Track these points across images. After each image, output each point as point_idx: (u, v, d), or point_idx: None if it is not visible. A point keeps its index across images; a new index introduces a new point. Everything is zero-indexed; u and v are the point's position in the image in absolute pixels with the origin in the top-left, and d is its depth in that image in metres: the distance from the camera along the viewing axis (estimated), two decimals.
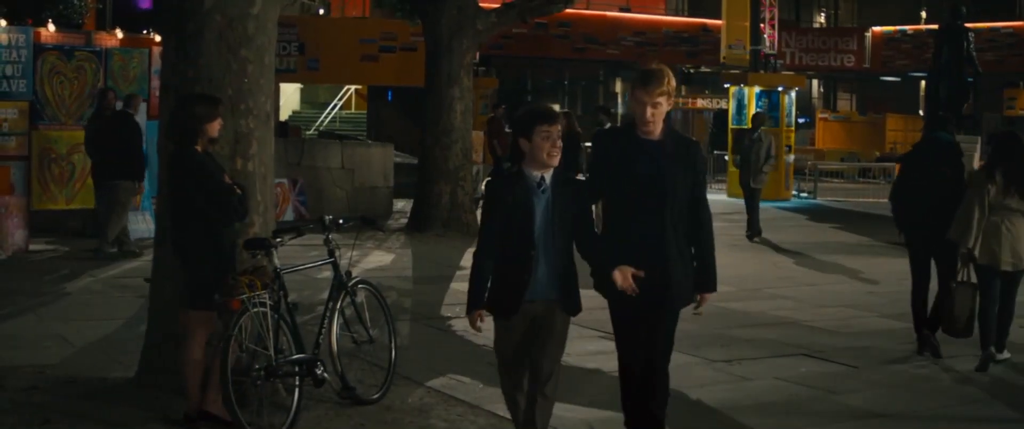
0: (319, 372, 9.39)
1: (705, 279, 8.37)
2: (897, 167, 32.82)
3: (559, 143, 7.85)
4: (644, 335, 8.25)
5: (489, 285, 7.99)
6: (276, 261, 9.31)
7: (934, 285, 12.91)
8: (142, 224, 20.15)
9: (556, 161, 7.87)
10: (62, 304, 14.39)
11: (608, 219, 8.35)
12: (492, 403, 9.83)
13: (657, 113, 8.07)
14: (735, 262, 19.46)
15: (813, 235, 25.09)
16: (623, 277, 7.90)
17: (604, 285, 8.18)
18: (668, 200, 8.06)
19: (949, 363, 12.38)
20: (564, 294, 8.01)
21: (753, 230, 23.80)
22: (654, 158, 8.08)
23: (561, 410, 8.96)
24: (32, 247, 18.72)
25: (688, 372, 11.37)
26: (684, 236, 8.22)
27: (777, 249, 22.01)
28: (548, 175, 7.94)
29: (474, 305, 7.94)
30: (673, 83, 8.17)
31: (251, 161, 9.87)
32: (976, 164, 21.56)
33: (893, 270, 19.28)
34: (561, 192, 7.97)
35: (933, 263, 12.98)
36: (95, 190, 19.20)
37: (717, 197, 32.34)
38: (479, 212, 9.38)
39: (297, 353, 9.23)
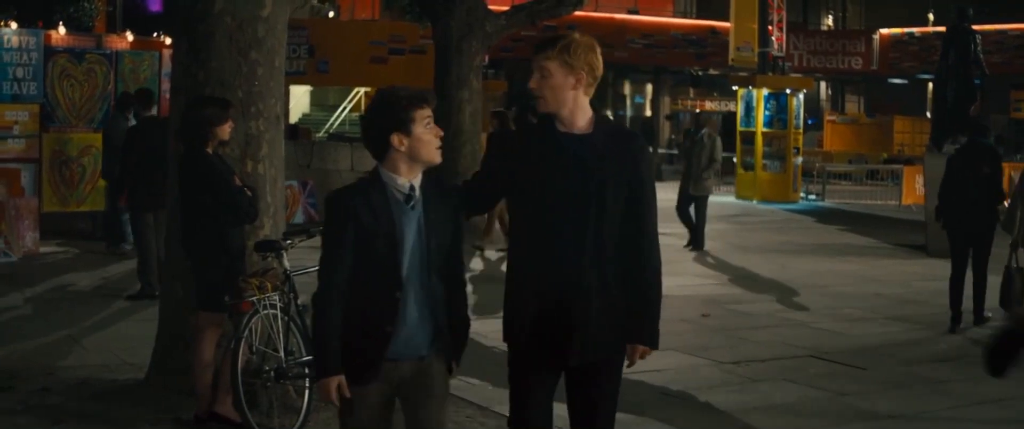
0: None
1: (639, 325, 6.25)
2: (904, 170, 32.92)
3: (441, 131, 5.93)
4: (542, 397, 6.28)
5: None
6: (286, 263, 9.33)
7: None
8: None
9: (439, 158, 5.92)
10: (72, 306, 14.42)
11: (513, 240, 6.42)
12: (502, 404, 9.81)
13: (545, 85, 6.12)
14: (743, 264, 19.49)
15: (821, 237, 25.08)
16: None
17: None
18: (591, 214, 6.05)
19: (960, 364, 12.40)
20: (440, 348, 5.96)
21: (696, 243, 21.79)
22: (576, 158, 6.07)
23: (564, 411, 8.96)
24: (42, 249, 18.75)
25: (696, 374, 11.40)
26: (614, 262, 6.12)
27: (784, 251, 22.00)
28: (418, 182, 5.88)
29: (327, 369, 5.81)
30: (589, 58, 6.22)
31: (261, 163, 9.91)
32: None
33: (901, 272, 19.32)
34: (438, 206, 5.93)
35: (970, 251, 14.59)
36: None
37: (725, 199, 32.42)
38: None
39: (307, 355, 9.25)
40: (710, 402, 10.49)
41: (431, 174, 5.96)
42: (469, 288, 6.57)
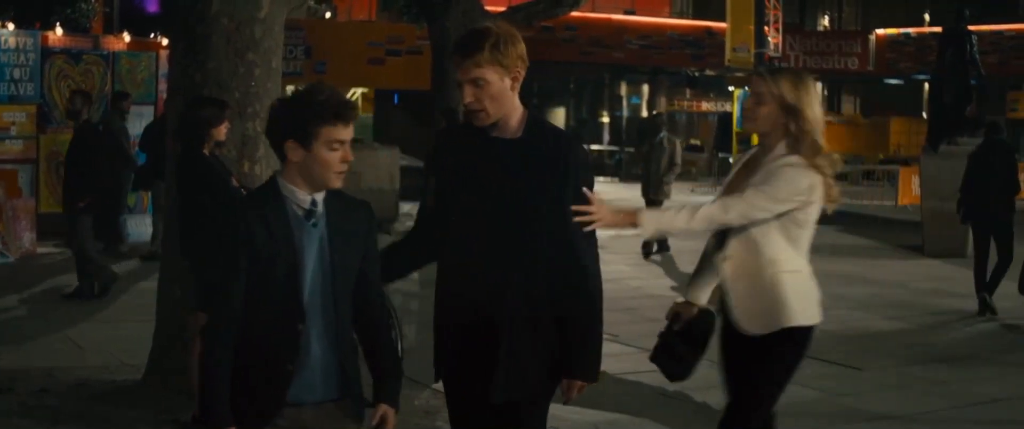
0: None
1: (573, 357, 5.51)
2: (901, 171, 32.93)
3: (351, 156, 4.92)
4: None
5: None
6: None
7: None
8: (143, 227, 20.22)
9: (341, 181, 4.97)
10: (70, 306, 14.43)
11: (439, 261, 5.79)
12: None
13: (483, 95, 5.39)
14: None
15: (817, 237, 24.80)
16: None
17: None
18: (518, 227, 5.37)
19: (957, 365, 12.44)
20: (347, 390, 5.07)
21: (649, 248, 21.34)
22: (501, 165, 5.40)
23: (565, 411, 8.99)
24: (40, 250, 18.78)
25: (693, 373, 11.42)
26: (546, 282, 5.40)
27: None
28: (321, 196, 4.99)
29: (215, 419, 4.92)
30: (519, 49, 5.45)
31: (258, 164, 9.92)
32: None
33: (897, 272, 19.36)
34: (345, 222, 5.05)
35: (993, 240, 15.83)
36: (142, 190, 19.50)
37: None
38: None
39: None
40: (707, 402, 10.49)
41: (340, 189, 5.07)
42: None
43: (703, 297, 6.46)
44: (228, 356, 4.90)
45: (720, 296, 6.33)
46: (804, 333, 6.14)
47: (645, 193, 21.58)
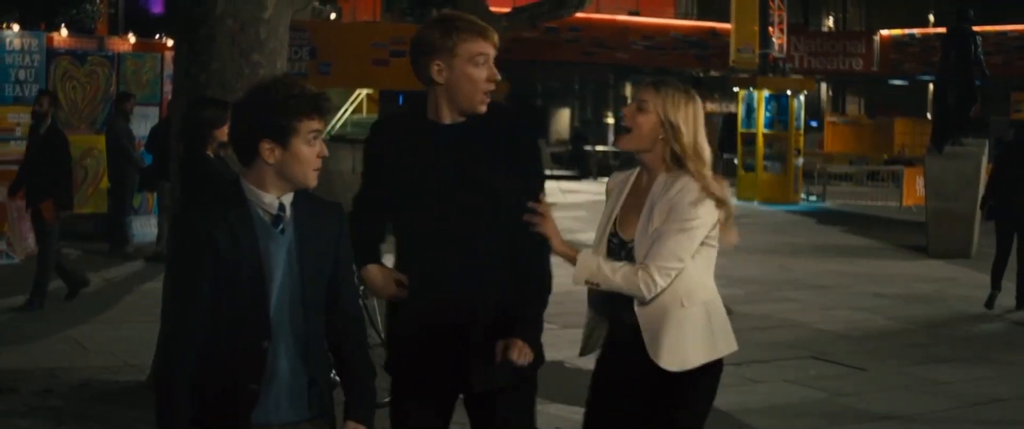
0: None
1: (518, 320, 5.36)
2: (905, 172, 32.91)
3: (326, 151, 4.71)
4: None
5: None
6: None
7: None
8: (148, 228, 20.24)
9: (314, 182, 4.69)
10: (74, 307, 14.44)
11: (396, 256, 5.59)
12: None
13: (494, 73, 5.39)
14: (742, 265, 19.51)
15: (821, 238, 25.09)
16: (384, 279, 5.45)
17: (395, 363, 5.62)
18: (477, 216, 5.32)
19: (960, 365, 12.44)
20: (319, 409, 4.79)
21: None
22: (448, 150, 5.33)
23: (565, 411, 8.99)
24: None
25: None
26: (505, 271, 5.38)
27: (785, 252, 22.01)
28: (289, 200, 4.68)
29: None
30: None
31: None
32: (984, 167, 21.62)
33: (901, 273, 19.34)
34: (315, 228, 4.74)
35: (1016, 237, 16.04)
36: (147, 191, 19.50)
37: None
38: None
39: None
40: (715, 405, 10.51)
41: (308, 191, 4.77)
42: None
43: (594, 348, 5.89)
44: (188, 374, 4.55)
45: (609, 337, 5.81)
46: (721, 362, 5.81)
47: None
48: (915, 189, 31.24)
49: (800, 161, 34.18)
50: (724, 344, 5.70)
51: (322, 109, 4.62)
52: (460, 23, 5.37)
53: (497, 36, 5.39)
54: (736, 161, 34.81)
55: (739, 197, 33.25)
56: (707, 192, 5.47)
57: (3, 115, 19.96)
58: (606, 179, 6.12)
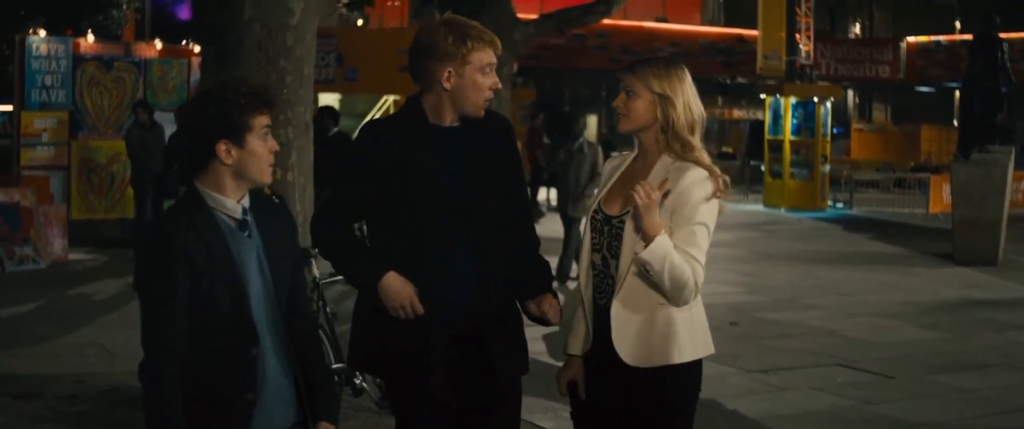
0: (358, 382, 9.45)
1: (537, 277, 5.58)
2: (932, 179, 32.81)
3: (277, 145, 4.81)
4: None
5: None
6: (316, 271, 9.36)
7: None
8: None
9: (270, 177, 4.76)
10: (101, 313, 14.48)
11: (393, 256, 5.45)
12: (526, 413, 9.85)
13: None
14: (769, 272, 19.47)
15: (848, 245, 25.01)
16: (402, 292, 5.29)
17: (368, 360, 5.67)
18: (475, 219, 5.38)
19: (988, 373, 12.39)
20: (304, 413, 4.76)
21: (562, 272, 16.99)
22: (456, 151, 5.42)
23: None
24: (71, 256, 18.85)
25: (724, 382, 11.39)
26: (500, 269, 5.45)
27: (811, 259, 21.95)
28: (247, 202, 4.70)
29: None
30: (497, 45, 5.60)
31: (290, 171, 9.94)
32: (1010, 174, 21.56)
33: (928, 280, 19.27)
34: (275, 230, 4.79)
35: None
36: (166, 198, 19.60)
37: (753, 207, 32.42)
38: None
39: (336, 363, 9.27)
40: (738, 410, 10.49)
41: (256, 190, 4.78)
42: None
43: (581, 345, 5.65)
44: (176, 397, 4.49)
45: (588, 337, 5.58)
46: (699, 364, 5.62)
47: (562, 208, 18.37)
48: (941, 196, 31.12)
49: (827, 168, 34.09)
50: (702, 346, 5.53)
51: (271, 103, 4.67)
52: (473, 32, 5.48)
53: (500, 45, 5.58)
54: (763, 168, 34.74)
55: (766, 204, 33.19)
56: (713, 176, 5.36)
57: (29, 121, 20.05)
58: None
